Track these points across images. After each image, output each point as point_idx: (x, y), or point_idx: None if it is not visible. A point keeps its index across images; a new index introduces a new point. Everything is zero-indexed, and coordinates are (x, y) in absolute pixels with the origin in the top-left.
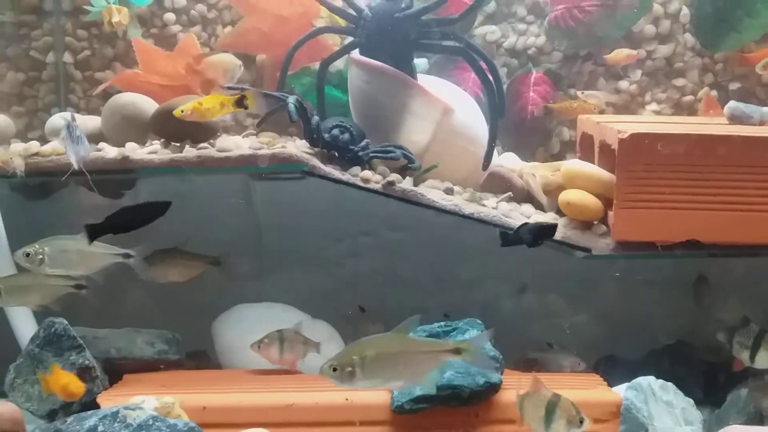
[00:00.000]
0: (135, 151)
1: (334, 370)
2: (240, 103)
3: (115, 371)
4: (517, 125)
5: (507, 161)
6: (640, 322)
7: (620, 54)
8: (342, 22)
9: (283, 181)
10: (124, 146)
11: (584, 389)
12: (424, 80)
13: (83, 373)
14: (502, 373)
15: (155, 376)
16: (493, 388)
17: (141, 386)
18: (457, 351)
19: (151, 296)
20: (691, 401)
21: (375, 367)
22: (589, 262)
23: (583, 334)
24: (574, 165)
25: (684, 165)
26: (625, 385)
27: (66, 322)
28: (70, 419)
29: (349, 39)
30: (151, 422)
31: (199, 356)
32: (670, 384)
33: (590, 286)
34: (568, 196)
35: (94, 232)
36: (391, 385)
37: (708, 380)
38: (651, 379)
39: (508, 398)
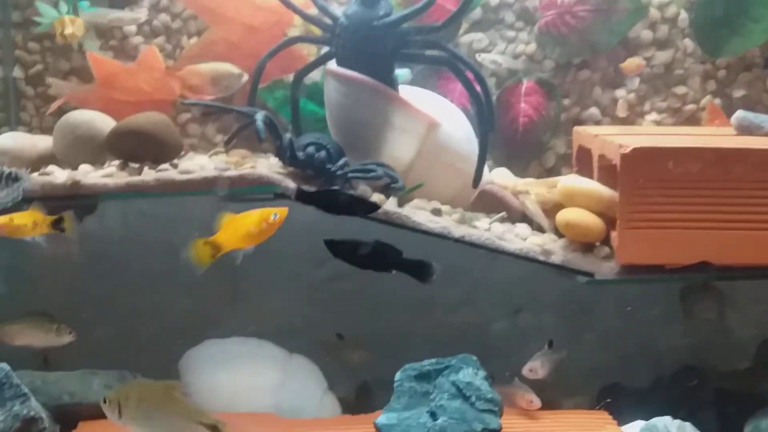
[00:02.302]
0: (87, 174)
1: (105, 401)
2: (57, 225)
3: (69, 419)
4: (508, 138)
5: (499, 177)
6: (646, 346)
7: (633, 63)
8: (317, 31)
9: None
10: (77, 169)
11: (593, 430)
12: (406, 92)
13: (28, 425)
14: (500, 417)
15: (114, 423)
16: None
17: None
18: (215, 428)
19: (109, 331)
20: None
21: (138, 412)
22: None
23: (583, 360)
24: (572, 181)
25: (693, 181)
26: (639, 422)
27: (8, 367)
28: None
29: (325, 49)
30: None
31: None
32: (687, 424)
33: (589, 308)
34: (568, 215)
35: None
36: None
37: (721, 409)
38: (667, 420)
39: None
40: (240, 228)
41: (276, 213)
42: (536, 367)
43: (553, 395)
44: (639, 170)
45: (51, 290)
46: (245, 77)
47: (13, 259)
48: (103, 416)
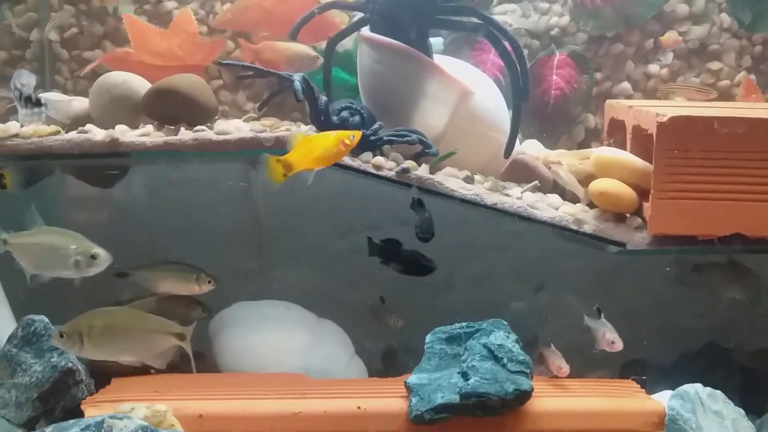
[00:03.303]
0: (125, 133)
1: (62, 336)
2: None
3: (103, 374)
4: (539, 111)
5: (530, 149)
6: (670, 322)
7: (671, 37)
8: None
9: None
10: (113, 129)
11: (622, 397)
12: (440, 60)
13: (65, 376)
14: (531, 379)
15: (146, 379)
16: (524, 396)
17: (130, 391)
18: (181, 336)
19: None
20: (742, 411)
21: (103, 338)
22: (617, 256)
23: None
24: (606, 152)
25: (728, 151)
26: (667, 392)
27: (47, 320)
28: (48, 429)
29: (359, 15)
30: None
31: (194, 357)
32: (719, 392)
33: (612, 282)
34: (602, 185)
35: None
36: (120, 357)
37: (746, 387)
38: (698, 386)
39: (540, 407)
40: (314, 149)
41: (353, 135)
42: (615, 339)
43: (578, 369)
44: (675, 139)
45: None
46: (320, 61)
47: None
48: (135, 373)
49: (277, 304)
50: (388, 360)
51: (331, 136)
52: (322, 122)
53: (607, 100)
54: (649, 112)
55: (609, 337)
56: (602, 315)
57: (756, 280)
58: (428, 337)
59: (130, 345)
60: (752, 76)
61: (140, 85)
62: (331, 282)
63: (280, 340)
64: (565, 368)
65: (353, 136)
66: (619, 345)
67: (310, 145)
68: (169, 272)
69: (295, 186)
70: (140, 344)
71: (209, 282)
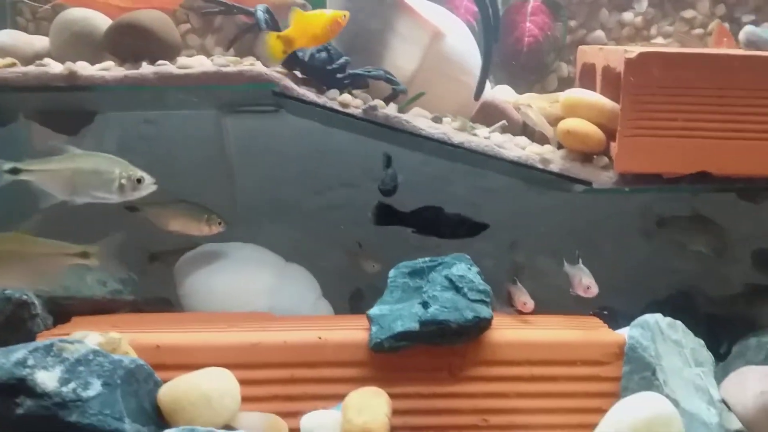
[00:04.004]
0: (85, 67)
1: None
2: None
3: (62, 312)
4: (512, 58)
5: (501, 94)
6: (639, 269)
7: None
8: None
9: (258, 121)
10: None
11: (583, 329)
12: (412, 1)
13: (20, 309)
14: (493, 310)
15: (108, 317)
16: (483, 323)
17: (90, 327)
18: (84, 254)
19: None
20: (701, 342)
21: None
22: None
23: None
24: (574, 93)
25: (696, 88)
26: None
27: None
28: None
29: None
30: (91, 357)
31: (159, 302)
32: (678, 322)
33: (582, 228)
34: (569, 124)
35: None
36: (10, 284)
37: (712, 333)
38: (658, 316)
39: (499, 337)
40: (311, 27)
41: (345, 15)
42: (591, 284)
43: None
44: (643, 76)
45: None
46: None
47: None
48: (96, 312)
49: (244, 246)
50: (355, 303)
51: (327, 14)
52: (288, 58)
53: (580, 46)
54: (618, 50)
55: (585, 282)
56: (580, 261)
57: (720, 231)
58: (391, 272)
59: (23, 272)
60: (726, 24)
61: (102, 21)
62: (304, 233)
63: (246, 281)
64: (530, 303)
65: (345, 16)
66: (594, 290)
67: (307, 23)
68: (180, 210)
69: (268, 138)
70: (30, 269)
71: (219, 224)
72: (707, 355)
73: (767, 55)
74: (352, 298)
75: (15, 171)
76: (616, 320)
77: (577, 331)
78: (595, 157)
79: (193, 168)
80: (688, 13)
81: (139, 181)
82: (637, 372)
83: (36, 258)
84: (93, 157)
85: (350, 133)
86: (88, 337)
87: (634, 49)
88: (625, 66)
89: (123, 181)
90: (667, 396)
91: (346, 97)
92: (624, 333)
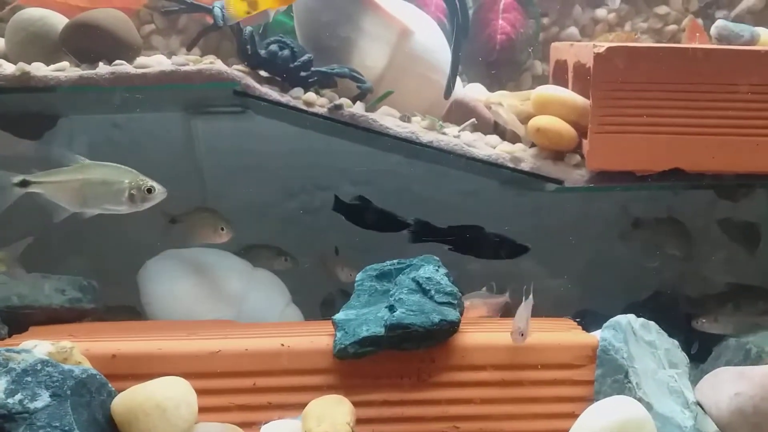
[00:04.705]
0: (39, 68)
1: None
2: None
3: (19, 322)
4: (484, 56)
5: (473, 92)
6: (617, 271)
7: None
8: None
9: (227, 123)
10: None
11: (555, 332)
12: None
13: None
14: (461, 313)
15: (65, 327)
16: (451, 327)
17: (47, 337)
18: None
19: (68, 240)
20: (676, 342)
21: None
22: (560, 198)
23: (552, 287)
24: (545, 90)
25: (667, 83)
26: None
27: None
28: None
29: None
30: (39, 367)
31: (123, 310)
32: (652, 323)
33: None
34: (540, 122)
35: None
36: None
37: (690, 334)
38: (631, 317)
39: (468, 341)
40: None
41: None
42: (524, 331)
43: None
44: (613, 71)
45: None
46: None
47: None
48: (54, 321)
49: (208, 251)
50: (327, 309)
51: None
52: (249, 55)
53: (553, 44)
54: (588, 45)
55: (517, 327)
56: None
57: (687, 235)
58: (359, 275)
59: None
60: (699, 20)
61: (59, 22)
62: (274, 237)
63: (211, 288)
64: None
65: None
66: (520, 340)
67: None
68: (205, 219)
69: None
70: None
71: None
72: (682, 356)
73: (735, 49)
74: (323, 304)
75: (24, 183)
76: (597, 323)
77: (550, 334)
78: (567, 155)
79: (162, 171)
80: (662, 9)
81: (149, 191)
82: (610, 375)
83: None
84: (102, 168)
85: (319, 134)
86: (37, 346)
87: (603, 44)
88: (594, 60)
89: (133, 191)
90: (640, 399)
91: (310, 95)
92: (597, 335)
